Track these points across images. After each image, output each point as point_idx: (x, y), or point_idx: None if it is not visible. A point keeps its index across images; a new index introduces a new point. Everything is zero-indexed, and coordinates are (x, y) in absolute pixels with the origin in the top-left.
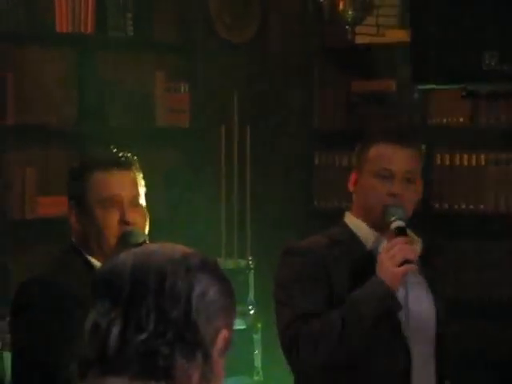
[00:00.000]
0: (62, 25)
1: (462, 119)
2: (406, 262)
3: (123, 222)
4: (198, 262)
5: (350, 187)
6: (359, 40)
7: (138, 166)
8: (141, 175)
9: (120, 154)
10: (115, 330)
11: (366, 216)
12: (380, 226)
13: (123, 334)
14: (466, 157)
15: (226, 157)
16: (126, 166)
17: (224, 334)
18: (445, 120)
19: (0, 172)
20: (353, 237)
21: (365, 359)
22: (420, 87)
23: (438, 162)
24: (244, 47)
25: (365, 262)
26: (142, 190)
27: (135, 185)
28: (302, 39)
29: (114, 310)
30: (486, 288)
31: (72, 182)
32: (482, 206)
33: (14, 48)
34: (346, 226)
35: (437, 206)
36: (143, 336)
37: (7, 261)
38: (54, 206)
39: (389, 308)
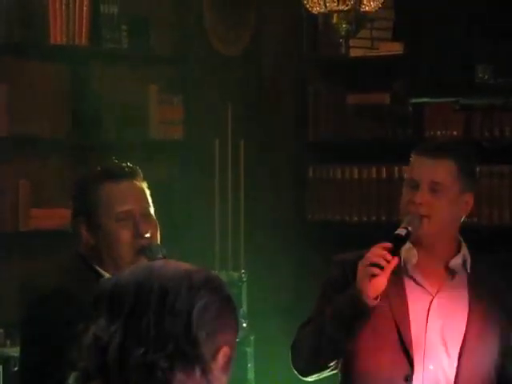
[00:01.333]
0: (57, 37)
1: (455, 132)
2: (373, 265)
3: (137, 235)
4: (201, 280)
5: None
6: (353, 53)
7: (141, 175)
8: (146, 184)
9: (124, 165)
10: (115, 343)
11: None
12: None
13: (123, 346)
14: None
15: (220, 170)
16: (133, 176)
17: (225, 350)
18: (438, 133)
19: None
20: None
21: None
22: (414, 100)
23: None
24: (238, 59)
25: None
26: (150, 200)
27: (145, 195)
28: (297, 51)
29: (114, 324)
30: None
31: (80, 195)
32: (475, 219)
33: (8, 59)
34: None
35: None
36: (142, 349)
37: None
38: (47, 218)
39: (359, 313)
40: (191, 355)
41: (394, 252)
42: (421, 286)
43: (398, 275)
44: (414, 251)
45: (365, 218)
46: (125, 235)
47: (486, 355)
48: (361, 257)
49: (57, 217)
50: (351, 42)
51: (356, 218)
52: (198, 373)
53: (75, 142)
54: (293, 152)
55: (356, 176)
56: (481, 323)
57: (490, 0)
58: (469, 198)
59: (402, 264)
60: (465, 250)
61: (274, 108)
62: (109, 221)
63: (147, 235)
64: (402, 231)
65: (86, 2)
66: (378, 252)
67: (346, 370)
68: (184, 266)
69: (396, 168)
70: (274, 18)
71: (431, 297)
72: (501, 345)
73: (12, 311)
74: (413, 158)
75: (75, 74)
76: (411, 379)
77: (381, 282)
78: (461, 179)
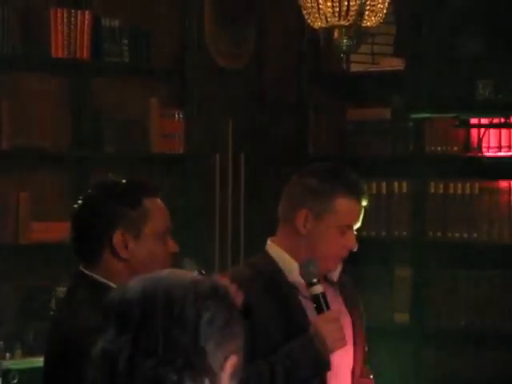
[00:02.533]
0: (58, 50)
1: (455, 148)
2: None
3: (171, 250)
4: (207, 289)
5: (302, 228)
6: (354, 68)
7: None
8: None
9: (147, 180)
10: (124, 356)
11: (308, 255)
12: (324, 270)
13: (132, 359)
14: (459, 185)
15: (221, 183)
16: (159, 191)
17: (233, 360)
18: (439, 148)
19: None
20: (275, 267)
21: None
22: (414, 116)
23: (432, 189)
24: (239, 74)
25: (288, 294)
26: None
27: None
28: (297, 66)
29: (123, 336)
30: (479, 316)
31: (124, 208)
32: (475, 235)
33: (9, 73)
34: (267, 255)
35: (430, 233)
36: (152, 362)
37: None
38: (47, 231)
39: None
40: (200, 367)
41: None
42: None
43: (294, 295)
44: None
45: (364, 233)
46: (165, 252)
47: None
48: (240, 277)
49: (57, 230)
50: (352, 57)
51: (355, 233)
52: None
53: (76, 156)
54: (293, 166)
55: None
56: (359, 323)
57: (492, 15)
58: None
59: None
60: None
61: (275, 122)
62: (153, 237)
63: (175, 251)
64: (319, 289)
65: (87, 16)
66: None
67: None
68: (190, 275)
69: (396, 183)
70: (275, 32)
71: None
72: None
73: (11, 324)
74: (342, 199)
75: (76, 87)
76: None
77: None
78: None
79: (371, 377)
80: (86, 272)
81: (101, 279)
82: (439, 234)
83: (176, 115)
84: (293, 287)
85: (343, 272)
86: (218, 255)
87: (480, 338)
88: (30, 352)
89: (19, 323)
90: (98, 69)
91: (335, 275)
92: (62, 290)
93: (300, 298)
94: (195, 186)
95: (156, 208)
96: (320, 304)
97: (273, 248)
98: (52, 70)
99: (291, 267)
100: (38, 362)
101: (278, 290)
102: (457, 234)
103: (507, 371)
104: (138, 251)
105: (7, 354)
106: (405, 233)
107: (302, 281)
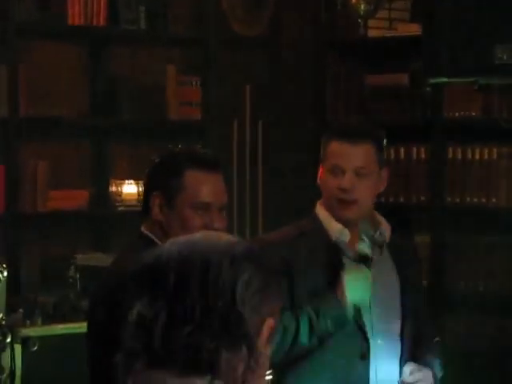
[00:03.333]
0: (75, 18)
1: (474, 113)
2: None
3: (209, 227)
4: (243, 251)
5: (318, 180)
6: (372, 33)
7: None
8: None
9: (212, 155)
10: (160, 322)
11: (327, 208)
12: (338, 218)
13: (168, 326)
14: (478, 150)
15: (238, 150)
16: (219, 167)
17: (269, 322)
18: (457, 114)
19: (12, 165)
20: (320, 228)
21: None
22: (432, 81)
23: (450, 155)
24: (256, 41)
25: (329, 254)
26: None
27: (225, 190)
28: (315, 33)
29: (158, 302)
30: (496, 282)
31: (163, 175)
32: (494, 200)
33: (26, 40)
34: (315, 216)
35: (449, 199)
36: (188, 328)
37: (19, 253)
38: (65, 199)
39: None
40: (237, 333)
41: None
42: (356, 262)
43: (336, 255)
44: (346, 231)
45: (382, 199)
46: (197, 224)
47: (414, 319)
48: (285, 237)
49: (74, 198)
50: (369, 23)
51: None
52: (244, 350)
53: (93, 123)
54: (311, 133)
55: None
56: (408, 288)
57: None
58: (385, 173)
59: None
60: (385, 222)
61: (293, 89)
62: (185, 206)
63: (217, 229)
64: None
65: None
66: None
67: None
68: (225, 237)
69: (415, 149)
70: None
71: (367, 270)
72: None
73: (31, 291)
74: (331, 143)
75: (93, 55)
76: (367, 356)
77: None
78: (378, 158)
79: (436, 339)
80: (142, 229)
81: (149, 235)
82: (458, 199)
83: (193, 82)
84: (336, 248)
85: (401, 236)
86: (236, 221)
87: (499, 304)
88: (49, 320)
89: (39, 291)
90: (114, 36)
91: (382, 236)
92: (80, 258)
93: (343, 258)
94: (213, 152)
95: (196, 182)
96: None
97: (320, 210)
98: (68, 38)
99: (336, 228)
100: (58, 329)
101: (321, 250)
102: (475, 200)
103: None
104: (170, 217)
105: (27, 322)
106: (423, 198)
107: (346, 242)
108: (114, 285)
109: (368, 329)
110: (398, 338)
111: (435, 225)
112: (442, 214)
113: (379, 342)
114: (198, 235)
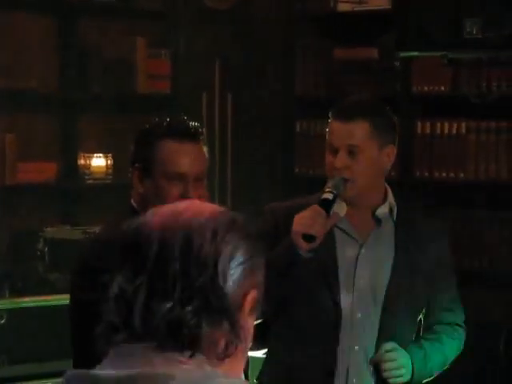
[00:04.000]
0: None
1: (443, 87)
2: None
3: (185, 197)
4: (226, 222)
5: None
6: (341, 7)
7: (205, 137)
8: (206, 148)
9: (191, 124)
10: (140, 298)
11: None
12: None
13: (149, 301)
14: (446, 125)
15: (208, 123)
16: (197, 137)
17: (252, 294)
18: (426, 88)
19: None
20: (316, 198)
21: (291, 308)
22: (402, 55)
23: (419, 129)
24: (226, 14)
25: None
26: (207, 164)
27: (203, 160)
28: (285, 6)
29: (139, 276)
30: (464, 257)
31: (140, 146)
32: (462, 175)
33: None
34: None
35: (417, 174)
36: (169, 304)
37: None
38: (34, 171)
39: (293, 262)
40: (219, 308)
41: (327, 215)
42: (349, 235)
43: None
44: (343, 204)
45: None
46: (173, 194)
47: (409, 303)
48: (293, 208)
49: (43, 170)
50: None
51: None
52: (225, 325)
53: (62, 96)
54: (280, 106)
55: None
56: (405, 271)
57: None
58: (390, 151)
59: (331, 215)
60: (391, 199)
61: (262, 62)
62: (161, 177)
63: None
64: (329, 195)
65: None
66: (313, 215)
67: (277, 319)
68: (208, 208)
69: None
70: None
71: (359, 245)
72: (425, 293)
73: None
74: (330, 123)
75: (63, 27)
76: (340, 327)
77: (315, 244)
78: (377, 136)
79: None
80: (131, 201)
81: (135, 206)
82: (426, 173)
83: (163, 55)
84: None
85: (417, 212)
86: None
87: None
88: (17, 293)
89: (7, 264)
90: (84, 9)
91: (381, 212)
92: (49, 231)
93: (334, 228)
94: None
95: (169, 152)
96: (326, 209)
97: None
98: (38, 10)
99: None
100: (26, 302)
101: None
102: (444, 174)
103: None
104: (149, 188)
105: None
106: (392, 173)
107: (341, 215)
108: (96, 255)
109: (346, 299)
110: (378, 316)
111: (404, 199)
112: (410, 188)
113: (359, 315)
114: (182, 205)
